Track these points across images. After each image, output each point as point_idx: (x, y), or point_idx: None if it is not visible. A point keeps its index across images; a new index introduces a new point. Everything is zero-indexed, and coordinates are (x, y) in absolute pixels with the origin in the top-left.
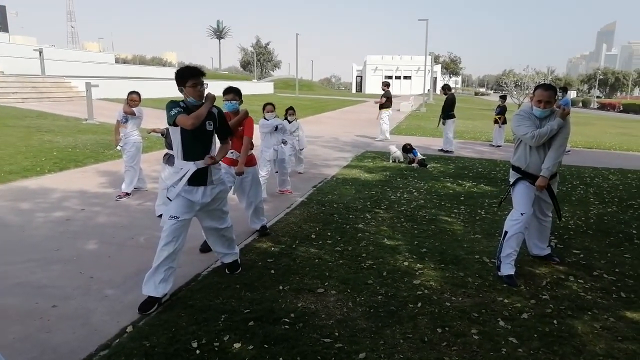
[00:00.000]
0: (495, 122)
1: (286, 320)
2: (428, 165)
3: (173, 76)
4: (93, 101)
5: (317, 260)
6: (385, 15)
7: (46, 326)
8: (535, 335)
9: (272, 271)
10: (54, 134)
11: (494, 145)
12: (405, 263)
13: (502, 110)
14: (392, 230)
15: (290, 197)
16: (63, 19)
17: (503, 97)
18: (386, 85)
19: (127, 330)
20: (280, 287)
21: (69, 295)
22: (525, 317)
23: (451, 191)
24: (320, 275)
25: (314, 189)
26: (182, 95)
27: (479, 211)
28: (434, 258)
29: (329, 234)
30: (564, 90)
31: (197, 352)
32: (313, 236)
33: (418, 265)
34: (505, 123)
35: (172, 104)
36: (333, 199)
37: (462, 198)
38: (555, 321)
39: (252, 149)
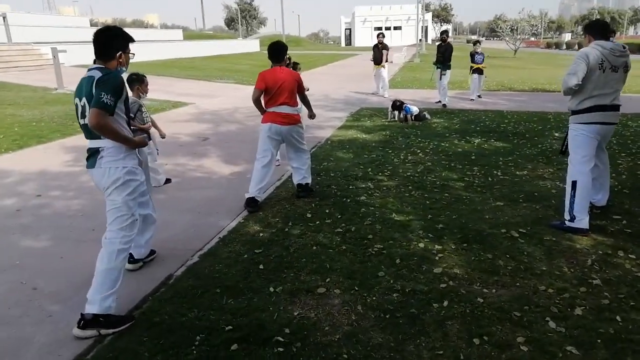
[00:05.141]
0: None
1: (280, 339)
2: (430, 120)
3: (155, 38)
4: (65, 68)
5: (314, 248)
6: None
7: None
8: (599, 341)
9: (261, 266)
10: (18, 106)
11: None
12: (421, 244)
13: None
14: (400, 202)
15: (279, 169)
16: None
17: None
18: (383, 36)
19: None
20: (272, 289)
21: (1, 318)
22: (580, 314)
23: (460, 149)
24: (320, 268)
25: None
26: (104, 64)
27: (495, 172)
28: (453, 236)
29: (327, 210)
30: None
31: None
32: (309, 215)
33: (436, 246)
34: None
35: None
36: (329, 167)
37: (473, 157)
38: (618, 317)
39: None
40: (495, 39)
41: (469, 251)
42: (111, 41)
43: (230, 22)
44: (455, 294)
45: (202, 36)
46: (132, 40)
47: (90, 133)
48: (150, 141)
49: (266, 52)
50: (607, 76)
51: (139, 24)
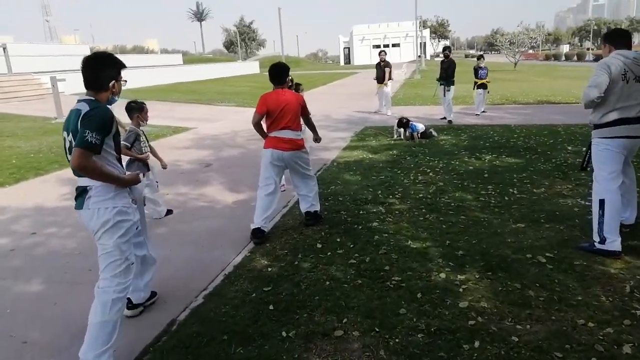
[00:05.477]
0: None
1: None
2: (437, 138)
3: (155, 63)
4: (65, 97)
5: (328, 283)
6: None
7: None
8: None
9: (271, 306)
10: (17, 137)
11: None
12: (442, 275)
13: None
14: (415, 227)
15: (285, 194)
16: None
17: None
18: (385, 53)
19: None
20: (284, 334)
21: None
22: (629, 352)
23: (471, 167)
24: (336, 307)
25: None
26: (95, 95)
27: (511, 190)
28: (475, 263)
29: (338, 240)
30: None
31: None
32: (319, 245)
33: (458, 276)
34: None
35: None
36: (337, 190)
37: (485, 175)
38: None
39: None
40: (493, 52)
41: (494, 281)
42: (102, 70)
43: (229, 45)
44: (486, 332)
45: (202, 60)
46: (124, 67)
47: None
48: (149, 172)
49: (266, 73)
50: (631, 87)
51: (139, 50)
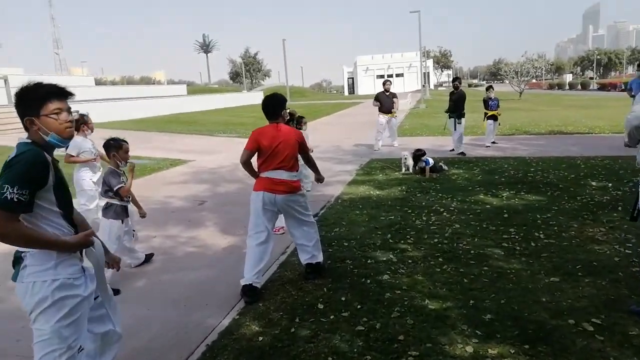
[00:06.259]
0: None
1: None
2: (449, 172)
3: (160, 94)
4: None
5: (330, 359)
6: (369, 13)
7: None
8: None
9: None
10: None
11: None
12: (469, 348)
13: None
14: (432, 281)
15: (282, 238)
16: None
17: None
18: (391, 83)
19: None
20: None
21: None
22: None
23: (488, 206)
24: None
25: (316, 219)
26: (27, 134)
27: (536, 234)
28: (508, 331)
29: (342, 298)
30: None
31: None
32: (320, 305)
33: (489, 350)
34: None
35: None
36: (342, 234)
37: (505, 215)
38: None
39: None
40: (496, 82)
41: (534, 358)
42: (18, 105)
43: (235, 76)
44: None
45: (207, 90)
46: (59, 96)
47: None
48: (128, 218)
49: None
50: None
51: (147, 81)
